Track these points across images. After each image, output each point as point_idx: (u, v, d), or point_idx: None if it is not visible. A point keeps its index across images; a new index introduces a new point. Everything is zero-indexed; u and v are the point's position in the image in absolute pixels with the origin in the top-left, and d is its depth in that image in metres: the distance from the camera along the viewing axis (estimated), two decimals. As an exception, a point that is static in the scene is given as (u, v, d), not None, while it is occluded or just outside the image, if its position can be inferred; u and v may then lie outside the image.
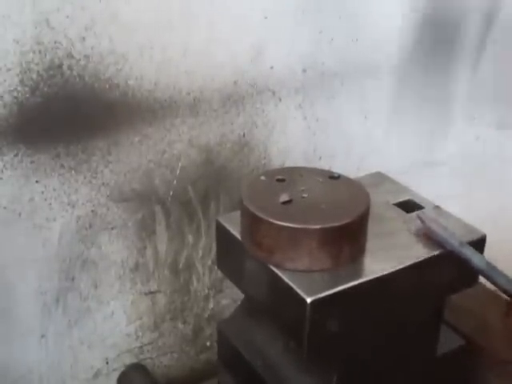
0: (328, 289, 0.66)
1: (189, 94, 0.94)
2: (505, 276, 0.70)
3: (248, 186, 0.74)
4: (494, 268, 0.70)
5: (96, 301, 0.97)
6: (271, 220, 0.67)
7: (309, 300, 0.64)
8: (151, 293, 1.02)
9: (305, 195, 0.72)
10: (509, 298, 0.81)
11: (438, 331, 0.81)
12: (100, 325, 0.99)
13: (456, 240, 0.72)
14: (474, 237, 0.76)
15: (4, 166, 0.84)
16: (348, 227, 0.68)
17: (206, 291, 1.06)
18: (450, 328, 0.85)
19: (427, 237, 0.74)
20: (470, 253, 0.71)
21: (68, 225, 0.91)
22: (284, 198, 0.70)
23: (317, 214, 0.68)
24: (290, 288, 0.66)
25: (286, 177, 0.75)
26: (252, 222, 0.69)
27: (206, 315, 1.08)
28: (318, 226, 0.66)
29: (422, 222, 0.74)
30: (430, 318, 0.80)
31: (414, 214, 0.79)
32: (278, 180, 0.75)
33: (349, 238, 0.68)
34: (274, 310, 0.72)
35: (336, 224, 0.67)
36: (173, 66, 0.91)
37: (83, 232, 0.93)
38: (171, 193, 0.97)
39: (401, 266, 0.70)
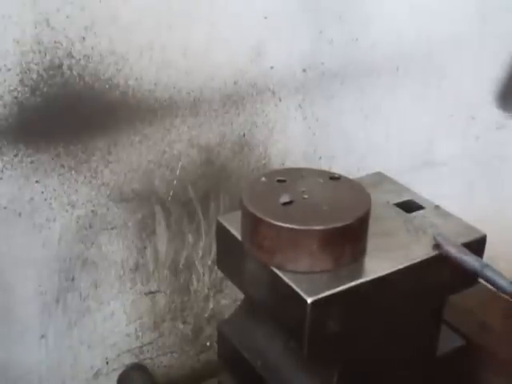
0: (328, 289, 0.66)
1: (189, 93, 0.94)
2: None
3: (248, 187, 0.74)
4: None
5: (96, 301, 0.97)
6: (272, 221, 0.67)
7: (309, 300, 0.64)
8: (151, 293, 1.01)
9: (306, 196, 0.72)
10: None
11: (438, 331, 0.82)
12: (100, 325, 0.99)
13: (478, 262, 0.70)
14: (475, 237, 0.76)
15: (4, 166, 0.84)
16: (349, 228, 0.67)
17: (206, 291, 1.06)
18: (450, 328, 0.85)
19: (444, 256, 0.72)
20: (493, 274, 0.69)
21: (68, 225, 0.91)
22: (285, 198, 0.70)
23: (318, 215, 0.68)
24: (291, 288, 0.66)
25: (287, 178, 0.75)
26: (252, 223, 0.69)
27: (206, 315, 1.08)
28: (318, 227, 0.66)
29: (439, 246, 0.73)
30: (430, 317, 0.80)
31: (414, 214, 0.79)
32: (279, 181, 0.75)
33: (350, 238, 0.68)
34: (275, 311, 0.72)
35: (337, 225, 0.67)
36: (173, 66, 0.91)
37: (83, 232, 0.93)
38: (171, 193, 0.97)
39: (401, 266, 0.70)
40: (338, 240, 0.67)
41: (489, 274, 0.69)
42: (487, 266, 0.69)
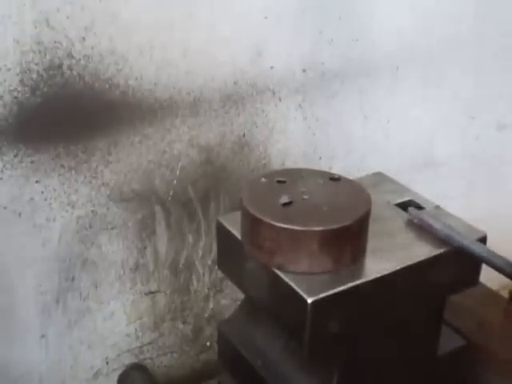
0: (329, 289, 0.66)
1: (189, 93, 0.94)
2: (502, 258, 0.71)
3: (248, 188, 0.74)
4: (492, 252, 0.72)
5: (96, 301, 0.97)
6: (271, 222, 0.67)
7: (310, 300, 0.64)
8: (151, 293, 1.01)
9: (305, 197, 0.72)
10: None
11: (438, 331, 0.82)
12: (100, 325, 0.99)
13: (450, 228, 0.73)
14: (475, 237, 0.76)
15: (4, 165, 0.84)
16: (349, 229, 0.67)
17: (206, 291, 1.06)
18: (450, 328, 0.85)
19: (420, 228, 0.75)
20: (462, 238, 0.73)
21: (68, 225, 0.91)
22: (284, 199, 0.70)
23: (317, 216, 0.68)
24: (291, 288, 0.66)
25: (287, 178, 0.75)
26: (252, 224, 0.69)
27: (206, 315, 1.08)
28: (318, 228, 0.66)
29: (413, 215, 0.76)
30: (430, 318, 0.80)
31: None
32: (279, 181, 0.75)
33: (349, 239, 0.68)
34: (275, 311, 0.72)
35: (337, 226, 0.67)
36: (173, 66, 0.91)
37: (83, 232, 0.93)
38: (171, 193, 0.97)
39: (401, 267, 0.70)
40: (338, 241, 0.67)
41: (458, 238, 0.72)
42: (458, 233, 0.73)
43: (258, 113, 1.01)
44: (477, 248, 0.72)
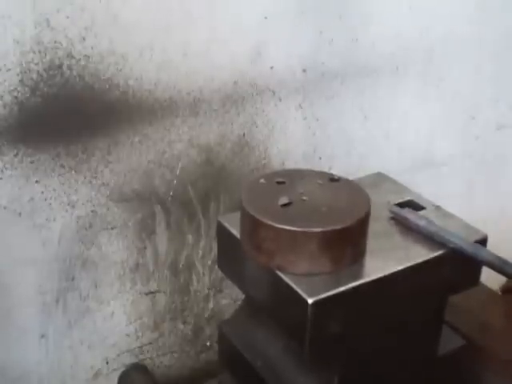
0: (329, 290, 0.66)
1: (189, 94, 0.94)
2: (489, 252, 0.71)
3: (248, 189, 0.74)
4: (477, 247, 0.72)
5: (96, 301, 0.97)
6: (271, 223, 0.67)
7: (310, 301, 0.64)
8: (151, 293, 1.01)
9: (305, 198, 0.72)
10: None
11: (438, 331, 0.82)
12: (100, 325, 0.99)
13: (430, 222, 0.74)
14: (476, 237, 0.76)
15: (4, 165, 0.84)
16: (348, 230, 0.67)
17: (206, 291, 1.06)
18: (450, 328, 0.85)
19: (402, 224, 0.76)
20: (450, 236, 0.73)
21: (68, 225, 0.91)
22: (283, 200, 0.70)
23: (317, 217, 0.68)
24: (291, 289, 0.66)
25: (286, 179, 0.75)
26: (252, 225, 0.69)
27: (206, 315, 1.08)
28: (318, 229, 0.66)
29: (395, 213, 0.77)
30: (430, 318, 0.80)
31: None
32: (278, 182, 0.75)
33: (349, 240, 0.68)
34: (275, 311, 0.72)
35: (336, 227, 0.67)
36: (173, 67, 0.91)
37: (83, 232, 0.92)
38: (171, 193, 0.97)
39: (401, 267, 0.70)
40: (338, 242, 0.67)
41: (446, 236, 0.73)
42: (444, 230, 0.73)
43: (258, 113, 1.01)
44: (463, 244, 0.72)
